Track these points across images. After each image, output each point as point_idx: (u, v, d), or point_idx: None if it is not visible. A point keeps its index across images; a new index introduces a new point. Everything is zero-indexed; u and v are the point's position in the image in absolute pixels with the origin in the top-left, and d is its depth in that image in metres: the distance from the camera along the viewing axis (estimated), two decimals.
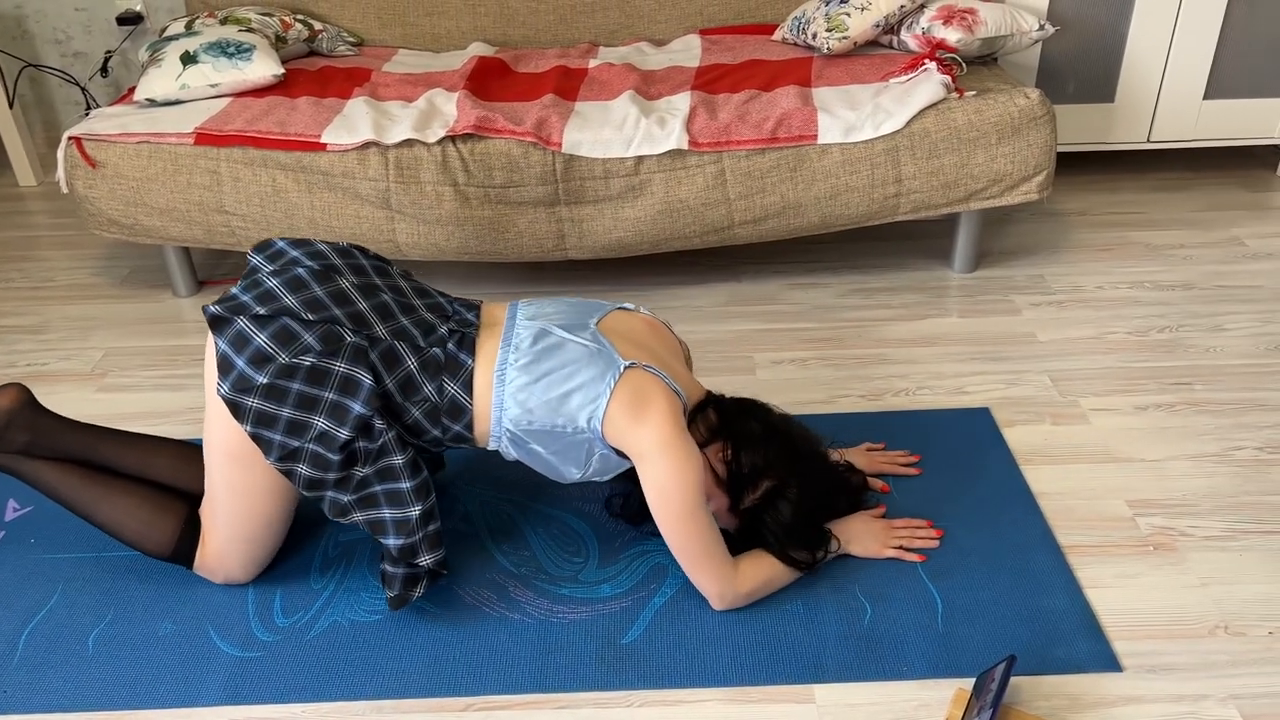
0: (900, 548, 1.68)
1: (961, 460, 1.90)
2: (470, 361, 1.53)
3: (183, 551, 1.65)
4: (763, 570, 1.58)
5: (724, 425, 1.59)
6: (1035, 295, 2.45)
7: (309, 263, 1.53)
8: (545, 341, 1.53)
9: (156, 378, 2.25)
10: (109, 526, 1.65)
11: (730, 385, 2.15)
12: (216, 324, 1.47)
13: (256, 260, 1.56)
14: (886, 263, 2.62)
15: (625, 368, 1.50)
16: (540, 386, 1.50)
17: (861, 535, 1.67)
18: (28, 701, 1.50)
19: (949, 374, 2.16)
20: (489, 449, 1.59)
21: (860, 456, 1.85)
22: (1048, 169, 2.37)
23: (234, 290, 1.50)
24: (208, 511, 1.62)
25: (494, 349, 1.54)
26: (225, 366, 1.45)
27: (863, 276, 2.56)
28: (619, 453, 1.53)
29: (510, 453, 1.57)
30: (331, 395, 1.45)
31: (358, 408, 1.45)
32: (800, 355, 2.25)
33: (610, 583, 1.67)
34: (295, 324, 1.45)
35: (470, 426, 1.53)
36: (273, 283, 1.49)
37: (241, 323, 1.45)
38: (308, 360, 1.44)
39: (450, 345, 1.53)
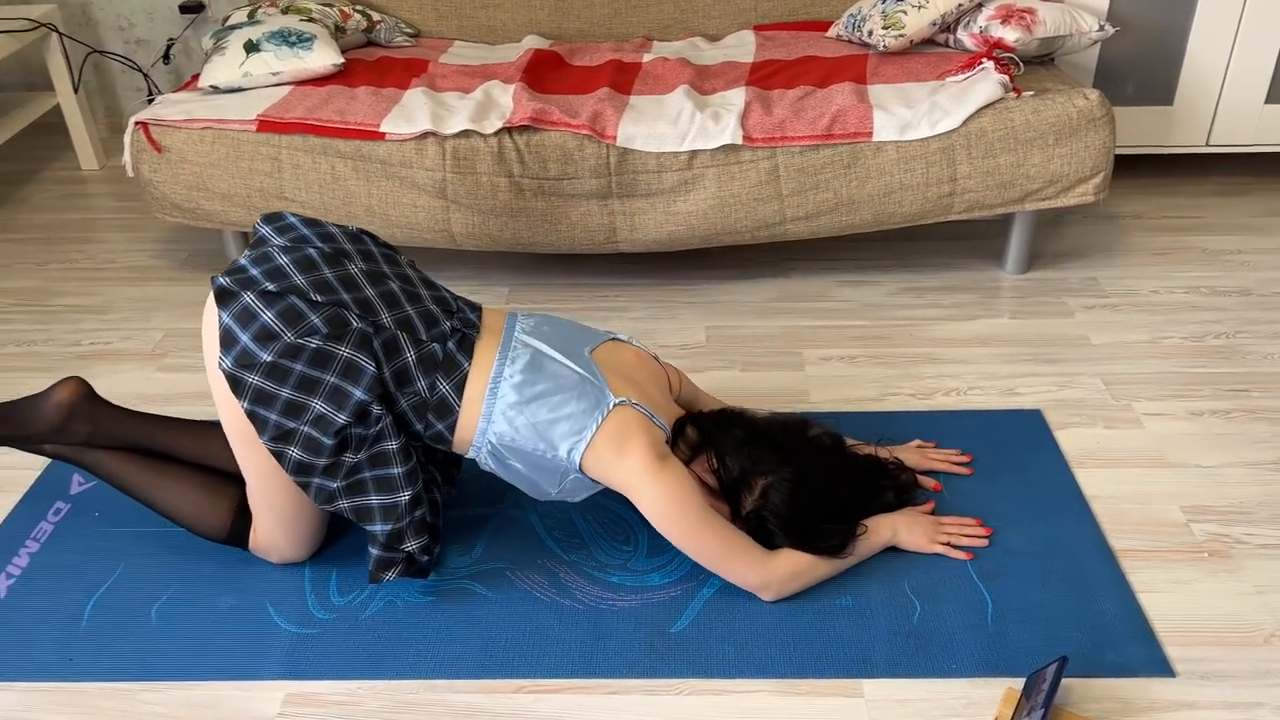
0: (948, 544, 1.69)
1: (1012, 461, 1.89)
2: (466, 365, 1.53)
3: (236, 534, 1.68)
4: (801, 554, 1.59)
5: (704, 438, 1.61)
6: (1089, 298, 2.43)
7: (320, 244, 1.52)
8: (541, 363, 1.54)
9: None
10: (167, 512, 1.69)
11: (778, 381, 2.16)
12: (223, 297, 1.45)
13: (266, 230, 1.55)
14: (938, 262, 2.61)
15: (615, 405, 1.52)
16: (530, 408, 1.51)
17: (909, 527, 1.68)
18: (94, 669, 1.54)
19: (1000, 375, 2.15)
20: (465, 456, 1.59)
21: (911, 453, 1.85)
22: (1105, 171, 2.35)
23: (242, 261, 1.49)
24: (251, 495, 1.64)
25: (491, 358, 1.55)
26: (228, 340, 1.43)
27: (914, 275, 2.55)
28: (592, 479, 1.56)
29: (488, 464, 1.57)
30: (333, 379, 1.45)
31: (358, 394, 1.45)
32: (850, 352, 2.25)
33: (659, 572, 1.69)
34: (303, 304, 1.44)
35: (453, 429, 1.54)
36: (283, 260, 1.48)
37: (248, 298, 1.44)
38: (314, 342, 1.44)
39: (450, 344, 1.53)
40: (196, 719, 1.46)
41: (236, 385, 1.44)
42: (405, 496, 1.50)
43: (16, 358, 2.33)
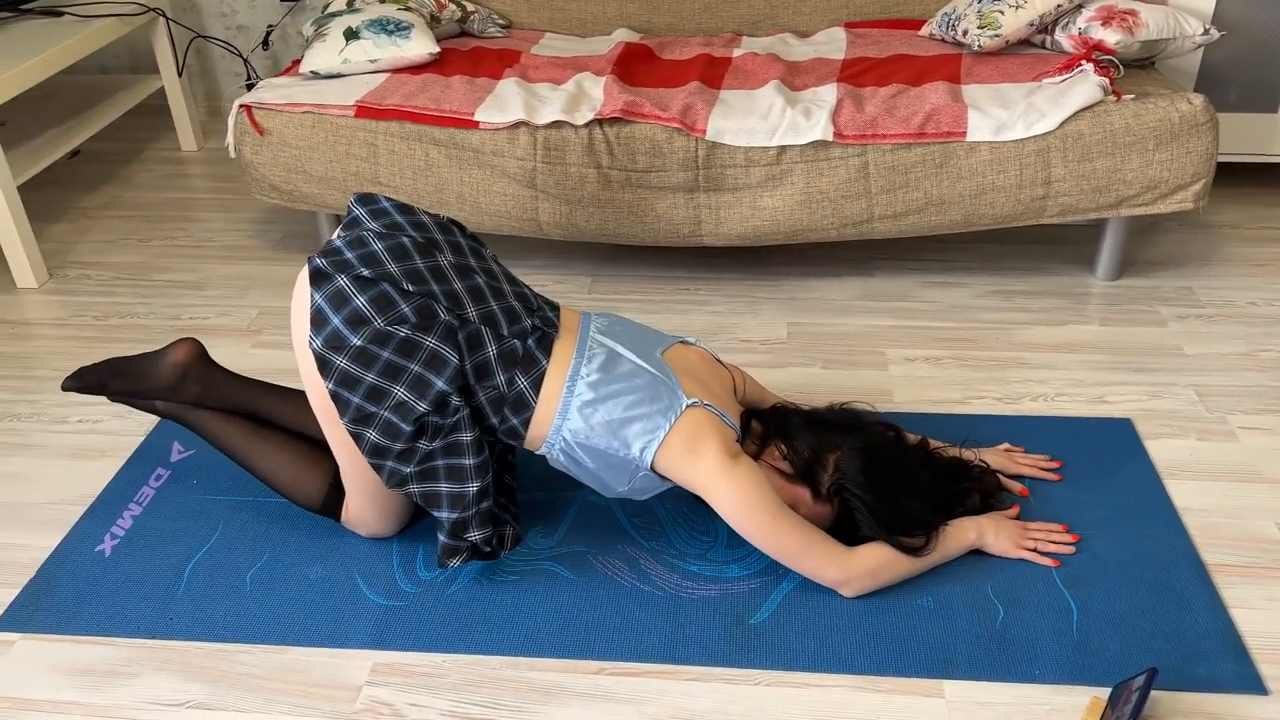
0: (1034, 550, 1.67)
1: (1101, 469, 1.86)
2: (545, 362, 1.55)
3: (329, 506, 1.74)
4: (883, 548, 1.59)
5: (769, 429, 1.64)
6: (1182, 307, 2.38)
7: (413, 233, 1.55)
8: (616, 362, 1.57)
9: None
10: (265, 477, 1.75)
11: (861, 380, 2.15)
12: (318, 277, 1.47)
13: (360, 212, 1.58)
14: (1026, 266, 2.57)
15: (688, 405, 1.54)
16: (606, 406, 1.53)
17: (995, 531, 1.66)
18: (190, 629, 1.60)
19: (1089, 382, 2.12)
20: (536, 453, 1.60)
21: (996, 456, 1.83)
22: (1206, 178, 2.29)
23: (338, 244, 1.52)
24: (342, 471, 1.68)
25: (568, 356, 1.57)
26: (319, 321, 1.47)
27: (1001, 278, 2.52)
28: (662, 477, 1.58)
29: (559, 460, 1.59)
30: (417, 368, 1.48)
31: (440, 384, 1.47)
32: (935, 354, 2.23)
33: (739, 563, 1.69)
34: (395, 292, 1.47)
35: (527, 424, 1.56)
36: (377, 245, 1.50)
37: (342, 281, 1.46)
38: (403, 331, 1.47)
39: (530, 341, 1.56)
40: (290, 681, 1.51)
41: (324, 366, 1.48)
42: (474, 487, 1.53)
43: (121, 329, 2.42)
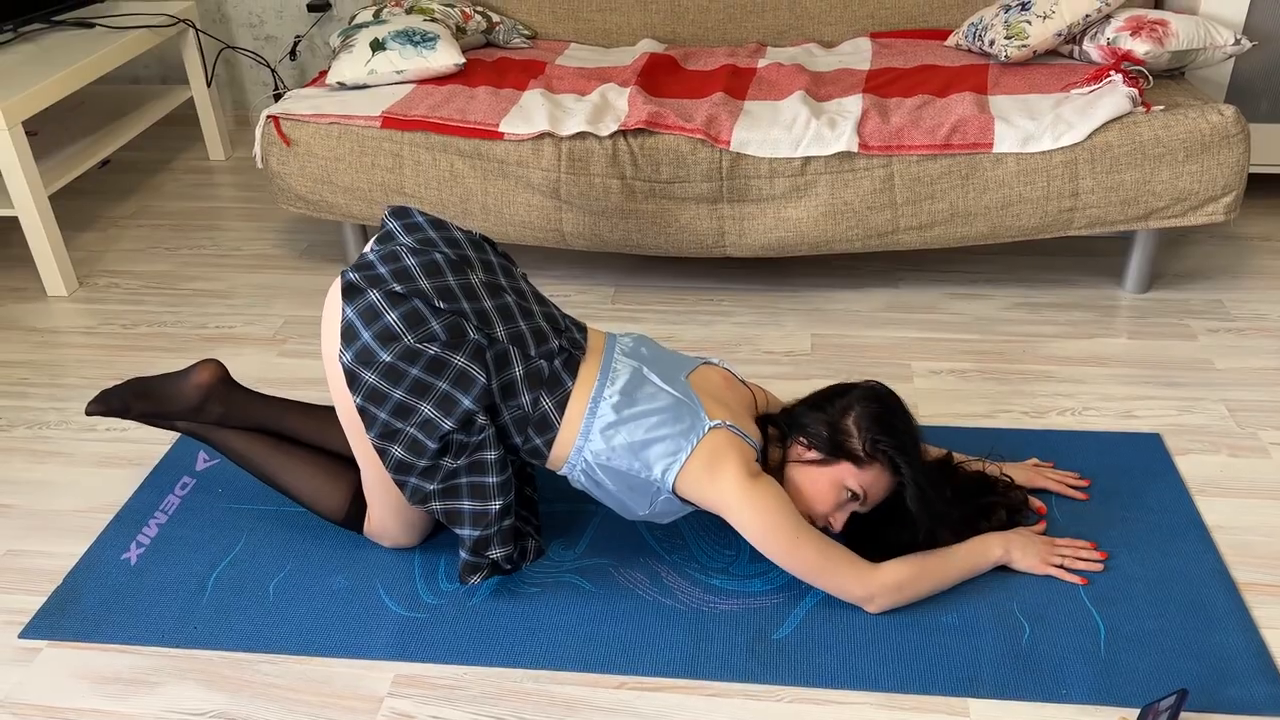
0: (1061, 567, 1.65)
1: (1129, 485, 1.84)
2: (570, 384, 1.55)
3: (352, 519, 1.74)
4: (905, 563, 1.57)
5: (784, 428, 1.65)
6: (1213, 321, 2.35)
7: (446, 249, 1.55)
8: (640, 384, 1.57)
9: None
10: (288, 491, 1.76)
11: None
12: (350, 291, 1.48)
13: (393, 225, 1.58)
14: (1054, 278, 2.54)
15: (710, 427, 1.53)
16: (627, 428, 1.53)
17: (1023, 547, 1.64)
18: (214, 638, 1.61)
19: (1118, 396, 2.09)
20: (558, 473, 1.61)
21: (1022, 472, 1.81)
22: (1237, 190, 2.26)
23: (370, 257, 1.52)
24: (366, 486, 1.69)
25: (592, 378, 1.57)
26: (350, 335, 1.47)
27: (1028, 290, 2.50)
28: (683, 499, 1.57)
29: (580, 481, 1.59)
30: (445, 386, 1.48)
31: (467, 402, 1.48)
32: (960, 366, 2.21)
33: (762, 578, 1.68)
34: (426, 309, 1.47)
35: (550, 444, 1.56)
36: (410, 261, 1.50)
37: (374, 296, 1.47)
38: (432, 349, 1.47)
39: (556, 362, 1.55)
40: (312, 692, 1.52)
41: (353, 380, 1.48)
42: (496, 505, 1.53)
43: (148, 337, 2.45)
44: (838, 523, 1.60)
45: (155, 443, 2.06)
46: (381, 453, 1.52)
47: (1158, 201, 2.27)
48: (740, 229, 2.39)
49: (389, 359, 1.46)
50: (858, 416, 1.58)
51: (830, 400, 1.64)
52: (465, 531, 1.55)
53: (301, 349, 2.38)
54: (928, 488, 1.56)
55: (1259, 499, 1.81)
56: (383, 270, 1.49)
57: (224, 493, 1.91)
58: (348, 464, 1.76)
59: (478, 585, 1.68)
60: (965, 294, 2.49)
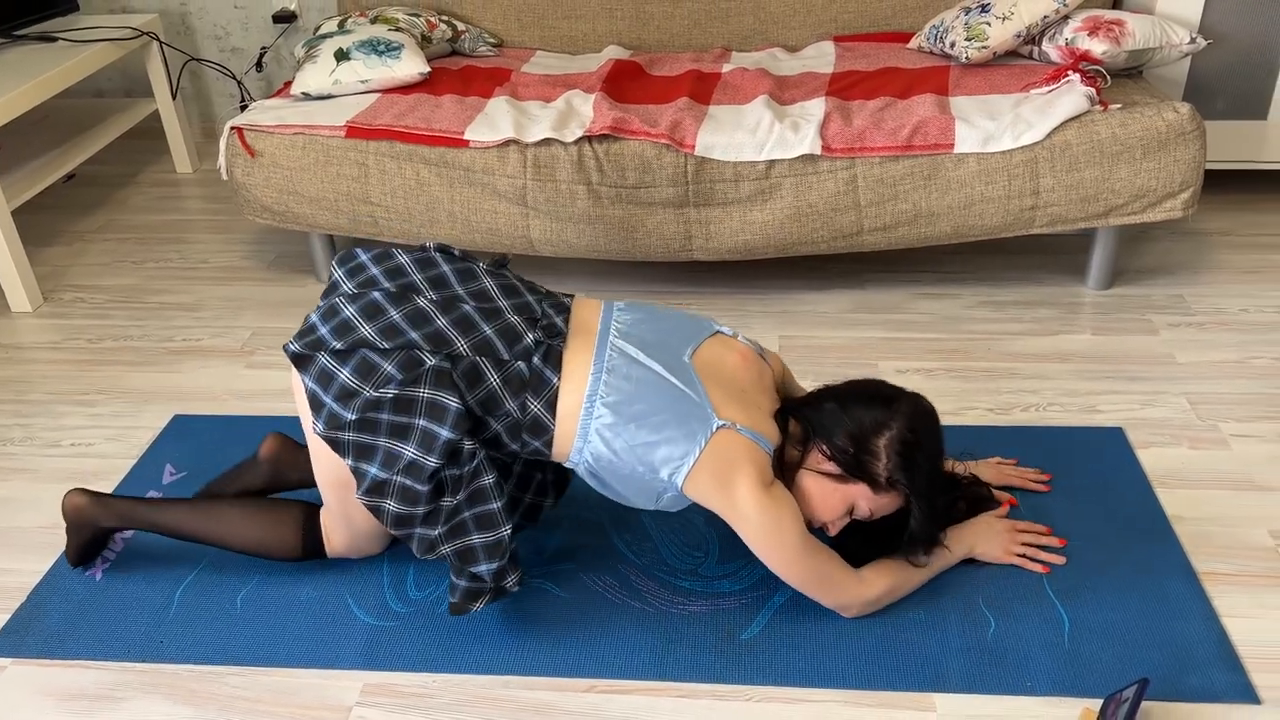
0: (1025, 557, 1.67)
1: (1093, 480, 1.86)
2: (555, 380, 1.49)
3: (310, 549, 1.68)
4: (886, 575, 1.58)
5: (807, 428, 1.54)
6: (1174, 315, 2.38)
7: (385, 283, 1.51)
8: (639, 377, 1.49)
9: None
10: (238, 548, 1.68)
11: None
12: (300, 361, 1.47)
13: (338, 275, 1.55)
14: (1018, 276, 2.57)
15: (717, 428, 1.46)
16: (628, 430, 1.46)
17: (986, 536, 1.66)
18: (181, 652, 1.60)
19: (1081, 392, 2.12)
20: (566, 466, 1.56)
21: (988, 470, 1.83)
22: (1194, 186, 2.30)
23: (313, 319, 1.50)
24: (330, 515, 1.65)
25: (584, 369, 1.49)
26: (316, 404, 1.46)
27: (993, 289, 2.52)
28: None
29: (586, 478, 1.54)
30: (421, 422, 1.43)
31: (445, 433, 1.42)
32: (926, 365, 2.23)
33: (730, 579, 1.69)
34: (374, 355, 1.44)
35: (549, 445, 1.51)
36: (349, 311, 1.47)
37: (323, 359, 1.46)
38: (390, 391, 1.43)
39: (535, 359, 1.48)
40: (279, 704, 1.51)
41: (336, 446, 1.46)
42: (507, 531, 1.48)
43: (114, 351, 2.43)
44: (834, 529, 1.55)
45: (121, 457, 2.05)
46: (375, 510, 1.47)
47: (1117, 199, 2.30)
48: (707, 233, 2.40)
49: (355, 416, 1.44)
50: (890, 441, 1.47)
51: (866, 405, 1.50)
52: (482, 567, 1.48)
53: (269, 360, 2.37)
54: (932, 523, 1.53)
55: (1219, 489, 1.83)
56: (324, 331, 1.47)
57: None
58: (275, 500, 1.71)
59: (446, 593, 1.68)
60: (931, 293, 2.52)
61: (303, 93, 2.60)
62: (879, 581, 1.57)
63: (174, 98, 3.37)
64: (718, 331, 1.62)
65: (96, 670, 1.58)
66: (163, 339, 2.48)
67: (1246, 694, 1.44)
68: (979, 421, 2.03)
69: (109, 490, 1.95)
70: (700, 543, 1.77)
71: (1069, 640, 1.54)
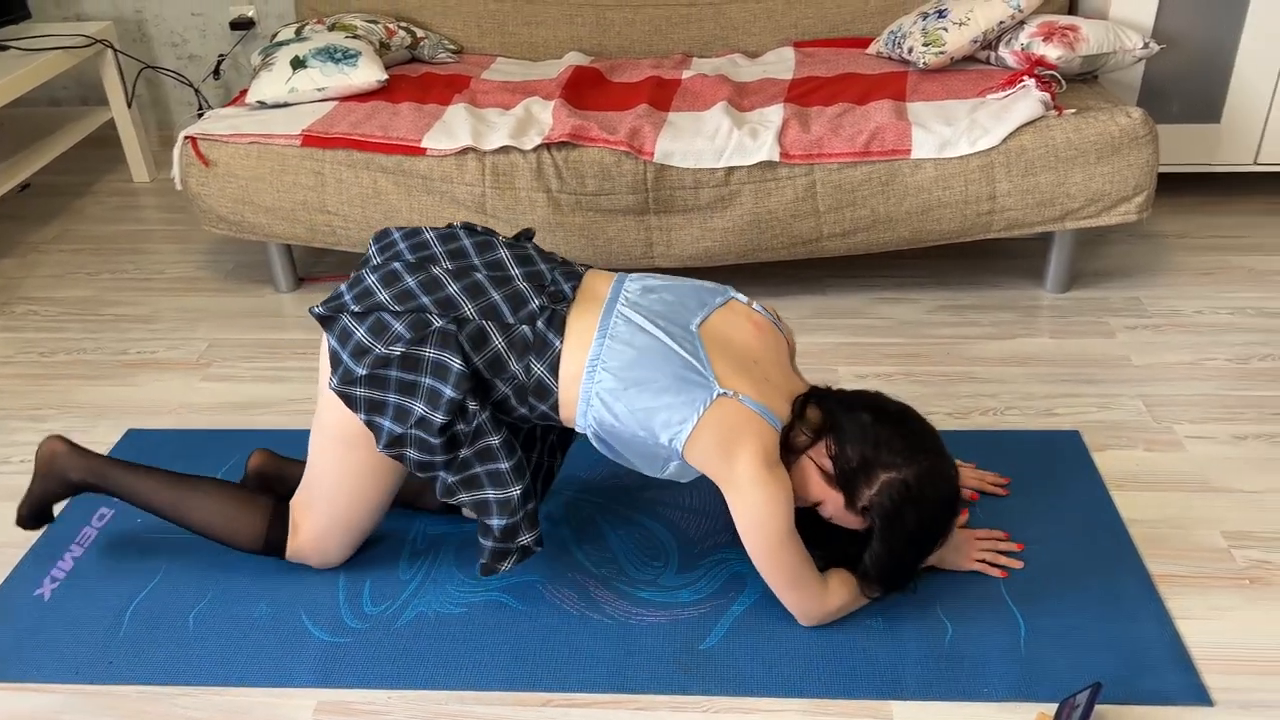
0: (985, 562, 1.67)
1: (1049, 483, 1.87)
2: (558, 343, 1.52)
3: (274, 542, 1.69)
4: (846, 590, 1.58)
5: (827, 422, 1.52)
6: (1130, 318, 2.40)
7: (408, 255, 1.59)
8: (642, 343, 1.50)
9: (257, 369, 2.34)
10: (200, 527, 1.70)
11: None
12: (325, 323, 1.56)
13: (371, 251, 1.65)
14: (977, 280, 2.59)
15: (717, 396, 1.46)
16: (629, 395, 1.49)
17: (948, 546, 1.66)
18: (132, 673, 1.57)
19: (1039, 395, 2.13)
20: (577, 431, 1.59)
21: None
22: (1148, 190, 2.32)
23: (341, 287, 1.59)
24: (304, 500, 1.67)
25: (589, 334, 1.52)
26: (335, 361, 1.54)
27: (952, 293, 2.53)
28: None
29: (595, 443, 1.57)
30: (427, 380, 1.50)
31: (448, 391, 1.49)
32: (886, 370, 2.24)
33: (690, 588, 1.69)
34: (387, 316, 1.52)
35: (555, 408, 1.55)
36: (371, 279, 1.56)
37: (345, 319, 1.54)
38: (398, 349, 1.50)
39: (539, 323, 1.53)
40: None
41: (350, 401, 1.53)
42: (517, 491, 1.53)
43: (67, 364, 2.39)
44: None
45: None
46: (400, 459, 1.55)
47: (1073, 203, 2.32)
48: (668, 240, 2.40)
49: (366, 370, 1.51)
50: (891, 480, 1.45)
51: (896, 437, 1.48)
52: (493, 520, 1.55)
53: (225, 373, 2.34)
54: (888, 575, 1.51)
55: (1173, 492, 1.85)
56: (346, 297, 1.56)
57: (143, 522, 1.87)
58: (253, 490, 1.73)
59: (402, 607, 1.66)
60: (891, 298, 2.52)
61: (259, 101, 2.57)
62: (840, 592, 1.57)
63: (129, 106, 3.32)
64: (733, 299, 1.63)
65: (43, 694, 1.55)
66: (117, 351, 2.44)
67: (1199, 696, 1.45)
68: (938, 426, 2.03)
69: (57, 509, 1.92)
70: (660, 553, 1.76)
71: (1025, 645, 1.55)
